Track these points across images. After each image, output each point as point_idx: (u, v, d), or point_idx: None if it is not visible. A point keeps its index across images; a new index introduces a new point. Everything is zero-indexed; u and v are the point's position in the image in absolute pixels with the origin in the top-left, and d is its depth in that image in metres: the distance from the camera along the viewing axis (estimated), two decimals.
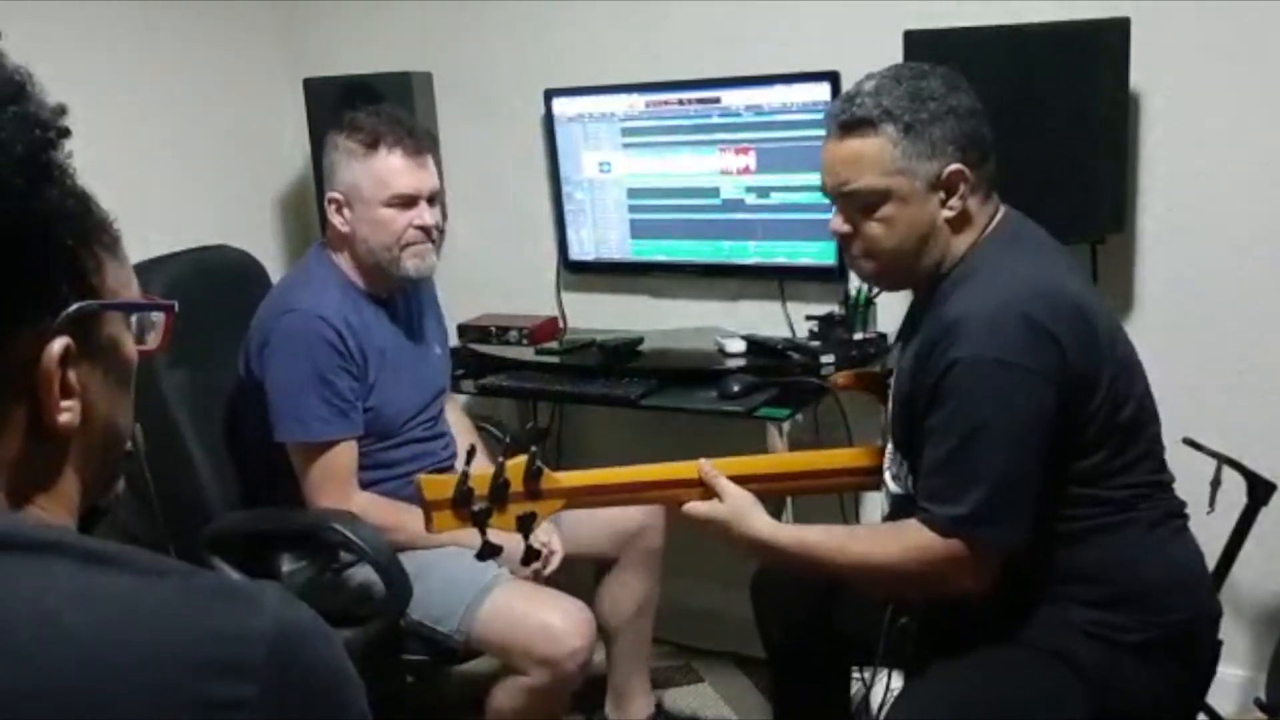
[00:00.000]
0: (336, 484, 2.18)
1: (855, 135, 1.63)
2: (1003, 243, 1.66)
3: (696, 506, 1.68)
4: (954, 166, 1.61)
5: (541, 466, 1.62)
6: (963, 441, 1.53)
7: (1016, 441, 1.52)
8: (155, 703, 0.70)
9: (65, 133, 0.80)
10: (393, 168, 2.21)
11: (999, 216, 1.69)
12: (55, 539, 0.77)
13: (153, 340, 0.90)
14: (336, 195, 2.24)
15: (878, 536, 1.67)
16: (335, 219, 2.24)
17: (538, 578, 2.19)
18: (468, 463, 1.60)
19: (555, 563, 2.23)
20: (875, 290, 2.67)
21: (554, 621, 2.09)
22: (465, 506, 1.58)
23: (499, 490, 1.59)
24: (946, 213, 1.63)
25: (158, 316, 0.90)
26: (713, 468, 1.69)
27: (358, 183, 2.21)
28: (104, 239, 0.83)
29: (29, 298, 0.77)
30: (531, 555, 1.67)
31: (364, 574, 2.20)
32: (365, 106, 2.38)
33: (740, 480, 1.71)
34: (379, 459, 2.28)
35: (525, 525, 1.62)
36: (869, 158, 1.62)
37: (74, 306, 0.79)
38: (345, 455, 2.20)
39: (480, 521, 1.59)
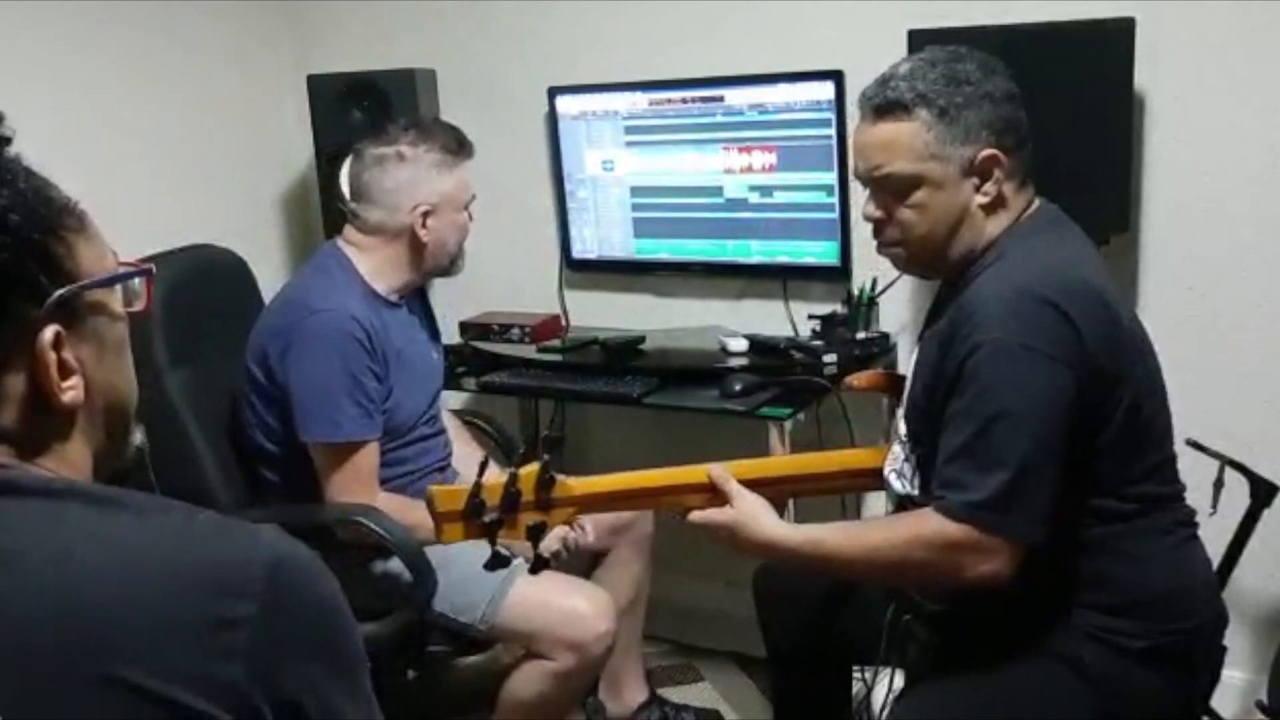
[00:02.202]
0: (362, 484, 2.20)
1: (889, 119, 1.60)
2: (1034, 230, 1.63)
3: (704, 514, 1.65)
4: (988, 152, 1.58)
5: (554, 475, 1.60)
6: (983, 427, 1.50)
7: (1038, 429, 1.48)
8: (161, 619, 0.77)
9: (6, 140, 0.85)
10: (469, 171, 2.34)
11: (1034, 206, 1.66)
12: (66, 485, 0.85)
13: (139, 304, 0.95)
14: (427, 206, 2.27)
15: (890, 529, 1.64)
16: (421, 231, 2.27)
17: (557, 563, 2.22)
18: (481, 474, 1.58)
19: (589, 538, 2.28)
20: (880, 289, 2.67)
21: (581, 606, 2.15)
22: (476, 518, 1.56)
23: (510, 501, 1.56)
24: (980, 198, 1.61)
25: (139, 281, 0.95)
26: (724, 471, 1.66)
27: (448, 190, 2.30)
28: (69, 223, 0.87)
29: (9, 295, 0.82)
30: (540, 565, 1.65)
31: (382, 569, 2.22)
32: (401, 117, 2.49)
33: (750, 484, 1.68)
34: (390, 457, 2.29)
35: (535, 535, 1.59)
36: (903, 143, 1.59)
37: (55, 295, 0.84)
38: (371, 456, 2.21)
39: (491, 533, 1.57)
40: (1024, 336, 1.48)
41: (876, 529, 1.68)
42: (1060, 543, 1.57)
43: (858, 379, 2.08)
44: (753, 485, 1.69)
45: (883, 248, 1.71)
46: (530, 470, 1.58)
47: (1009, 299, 1.51)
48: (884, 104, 1.60)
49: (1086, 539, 1.59)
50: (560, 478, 1.61)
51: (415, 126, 2.32)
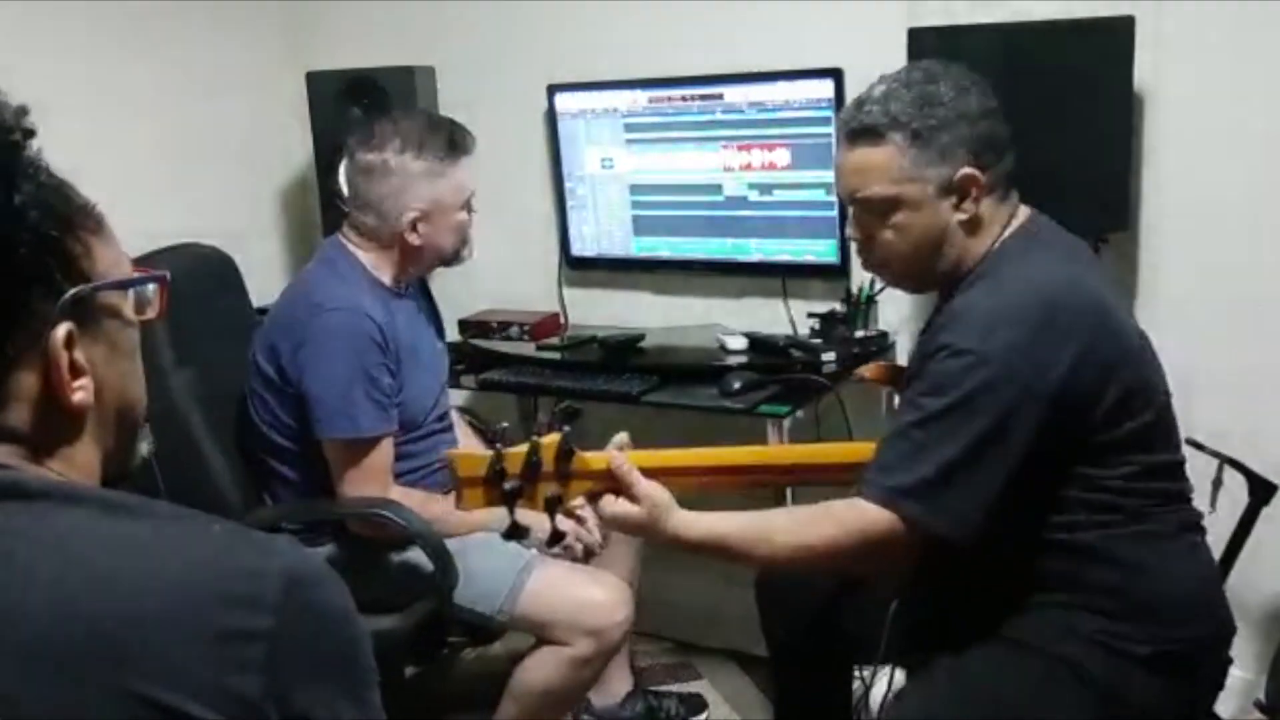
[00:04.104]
0: (376, 480, 2.20)
1: (863, 144, 1.61)
2: (1022, 244, 1.63)
3: (612, 507, 1.57)
4: (965, 171, 1.59)
5: (573, 447, 1.58)
6: (925, 418, 1.51)
7: (977, 434, 1.48)
8: (175, 629, 0.76)
9: (30, 133, 0.85)
10: (466, 170, 2.28)
11: (1020, 217, 1.66)
12: (79, 491, 0.84)
13: (152, 311, 0.94)
14: (416, 213, 2.23)
15: (804, 519, 1.61)
16: (411, 236, 2.24)
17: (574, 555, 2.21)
18: (501, 441, 1.56)
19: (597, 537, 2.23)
20: (879, 288, 2.67)
21: (598, 594, 2.17)
22: (497, 485, 1.55)
23: (531, 469, 1.55)
24: (959, 216, 1.61)
25: (153, 288, 0.94)
26: (627, 463, 1.58)
27: (439, 195, 2.25)
28: (87, 223, 0.87)
29: (25, 290, 0.82)
30: (556, 537, 1.62)
31: (399, 560, 2.22)
32: (394, 113, 2.41)
33: (742, 470, 1.67)
34: (402, 451, 2.29)
35: (552, 506, 1.57)
36: (877, 166, 1.60)
37: (70, 293, 0.84)
38: (385, 452, 2.22)
39: (510, 501, 1.55)
40: (988, 347, 1.49)
41: (790, 522, 1.62)
42: (1068, 547, 1.57)
43: (870, 370, 2.09)
44: (746, 473, 1.68)
45: (868, 267, 1.75)
46: (551, 440, 1.56)
47: (985, 313, 1.53)
48: (858, 129, 1.62)
49: (1093, 541, 1.58)
50: (579, 452, 1.58)
51: (404, 132, 2.24)
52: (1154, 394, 1.62)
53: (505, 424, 1.69)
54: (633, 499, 1.57)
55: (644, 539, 1.63)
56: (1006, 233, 1.64)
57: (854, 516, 1.54)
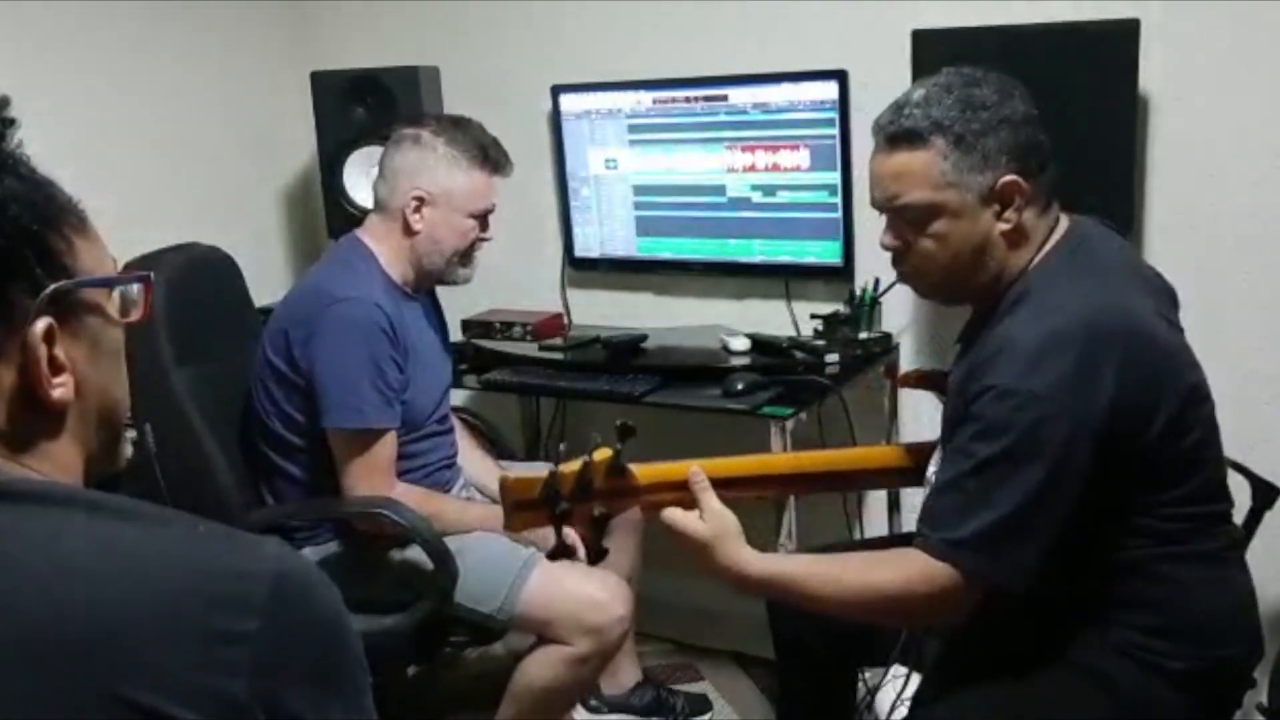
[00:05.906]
0: (380, 474, 2.21)
1: (904, 148, 1.55)
2: (1064, 259, 1.58)
3: (676, 516, 1.54)
4: (1008, 178, 1.53)
5: (624, 465, 1.54)
6: (977, 467, 1.45)
7: (1034, 479, 1.42)
8: (163, 632, 0.76)
9: (10, 123, 0.84)
10: (490, 184, 2.32)
11: (1062, 228, 1.61)
12: (67, 492, 0.83)
13: (136, 313, 0.93)
14: (422, 193, 2.27)
15: (872, 561, 1.59)
16: (412, 216, 2.27)
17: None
18: (558, 463, 1.52)
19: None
20: (882, 289, 2.67)
21: (598, 593, 2.18)
22: (551, 508, 1.51)
23: (582, 489, 1.51)
24: (1002, 225, 1.55)
25: (137, 289, 0.93)
26: (703, 477, 1.56)
27: (452, 188, 2.28)
28: (71, 220, 0.87)
29: (4, 284, 0.81)
30: (600, 556, 1.59)
31: (400, 558, 2.23)
32: (443, 116, 2.47)
33: (757, 480, 1.65)
34: (403, 451, 2.29)
35: (599, 526, 1.53)
36: (918, 171, 1.54)
37: (50, 287, 0.83)
38: (389, 446, 2.23)
39: (558, 524, 1.52)
40: (1040, 386, 1.43)
41: (859, 567, 1.58)
42: (1109, 567, 1.54)
43: (914, 377, 2.06)
44: (760, 482, 1.66)
45: (903, 278, 1.68)
46: (603, 457, 1.53)
47: (1035, 344, 1.46)
48: (899, 132, 1.56)
49: (1136, 561, 1.55)
50: (629, 468, 1.55)
51: (447, 122, 2.33)
52: (1201, 409, 1.57)
53: (564, 444, 1.64)
54: (700, 514, 1.53)
55: (696, 559, 1.55)
56: (1048, 246, 1.59)
57: (917, 566, 1.48)
